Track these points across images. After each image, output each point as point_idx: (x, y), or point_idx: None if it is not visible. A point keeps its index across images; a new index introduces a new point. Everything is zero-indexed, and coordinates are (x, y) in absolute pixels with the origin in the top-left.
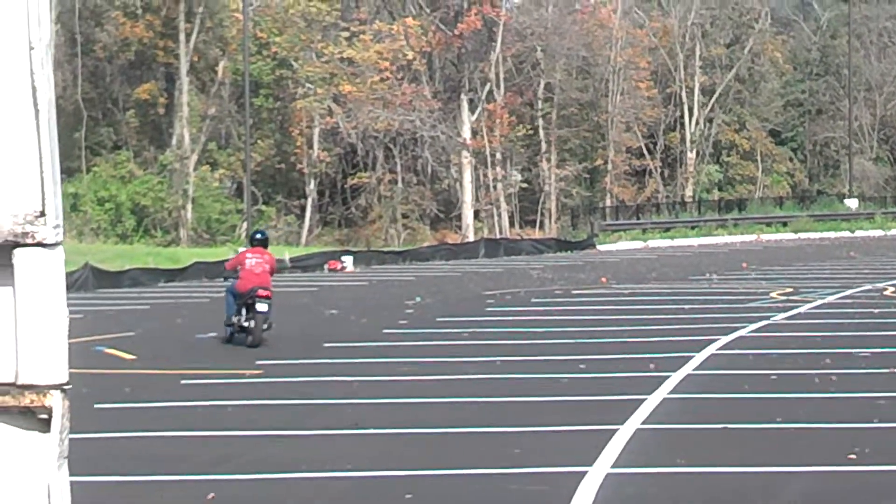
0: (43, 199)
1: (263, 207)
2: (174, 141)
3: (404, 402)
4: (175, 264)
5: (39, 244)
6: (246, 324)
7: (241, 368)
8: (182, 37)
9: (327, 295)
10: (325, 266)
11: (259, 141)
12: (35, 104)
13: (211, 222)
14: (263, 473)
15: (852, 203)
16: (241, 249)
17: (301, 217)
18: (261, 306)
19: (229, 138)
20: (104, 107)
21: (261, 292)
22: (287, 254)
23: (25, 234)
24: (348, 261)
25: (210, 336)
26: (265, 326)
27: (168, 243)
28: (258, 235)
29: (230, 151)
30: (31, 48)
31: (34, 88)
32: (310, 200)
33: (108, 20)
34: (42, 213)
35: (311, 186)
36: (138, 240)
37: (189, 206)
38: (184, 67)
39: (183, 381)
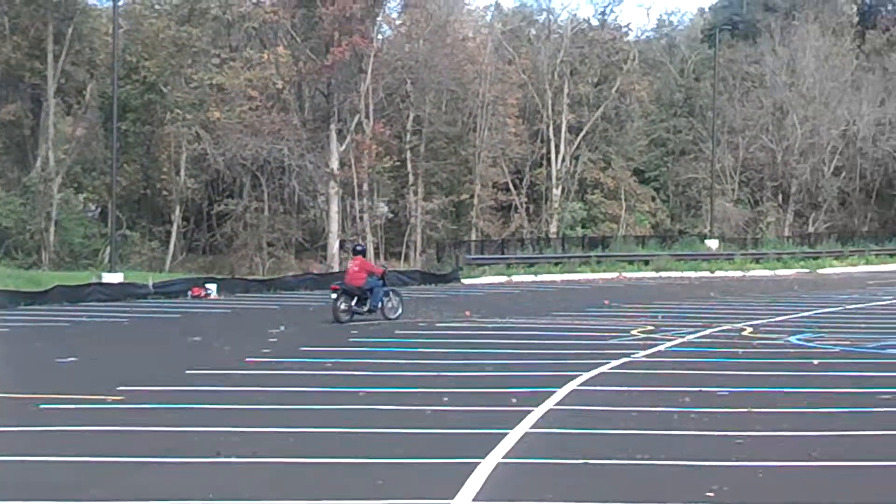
0: None
1: (128, 232)
2: (38, 163)
3: (266, 431)
4: (36, 287)
5: None
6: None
7: (102, 394)
8: (50, 58)
9: (190, 322)
10: (189, 293)
11: (125, 165)
12: None
13: (74, 246)
14: (122, 501)
15: (713, 244)
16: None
17: (166, 243)
18: (333, 295)
19: (95, 162)
20: None
21: (334, 286)
22: (150, 279)
23: None
24: (212, 288)
25: (70, 360)
26: (342, 307)
27: (30, 266)
28: (357, 248)
29: (95, 175)
30: None
31: None
32: (175, 226)
33: None
34: None
35: (177, 212)
36: None
37: (52, 229)
38: (51, 89)
39: (41, 406)
